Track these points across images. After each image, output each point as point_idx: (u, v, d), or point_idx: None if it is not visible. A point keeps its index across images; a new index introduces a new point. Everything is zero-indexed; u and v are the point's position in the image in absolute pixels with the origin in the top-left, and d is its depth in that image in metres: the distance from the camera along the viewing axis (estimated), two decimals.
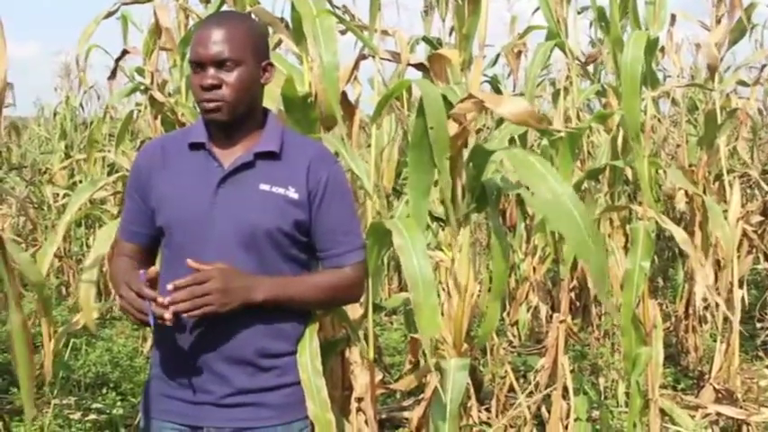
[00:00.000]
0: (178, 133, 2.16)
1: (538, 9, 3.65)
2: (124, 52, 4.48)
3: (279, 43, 2.93)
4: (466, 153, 2.63)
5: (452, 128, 2.49)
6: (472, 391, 3.01)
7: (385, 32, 2.97)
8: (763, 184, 5.56)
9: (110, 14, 3.37)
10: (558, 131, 3.27)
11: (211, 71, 1.87)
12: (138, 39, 4.45)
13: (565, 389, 3.47)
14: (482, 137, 5.06)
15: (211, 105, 1.88)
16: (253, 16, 2.57)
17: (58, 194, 7.26)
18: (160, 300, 1.77)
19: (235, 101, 1.89)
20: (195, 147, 1.96)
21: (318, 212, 1.95)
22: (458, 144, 2.51)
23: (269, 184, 1.91)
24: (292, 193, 1.92)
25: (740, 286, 4.69)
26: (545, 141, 3.75)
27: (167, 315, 1.76)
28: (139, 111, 5.03)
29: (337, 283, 2.02)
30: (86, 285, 3.21)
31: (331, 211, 1.97)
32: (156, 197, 1.97)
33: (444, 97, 2.47)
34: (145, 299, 1.79)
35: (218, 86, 1.87)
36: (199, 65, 1.88)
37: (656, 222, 3.32)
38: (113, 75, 4.77)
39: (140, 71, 4.55)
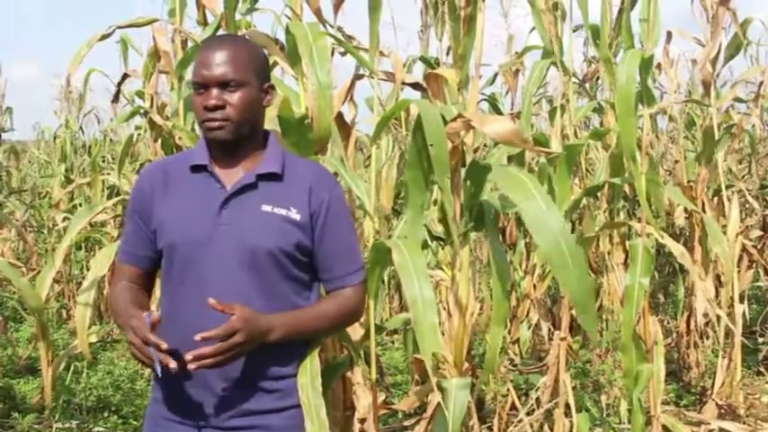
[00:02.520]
0: (180, 156, 2.17)
1: (534, 28, 3.66)
2: (125, 76, 4.51)
3: (274, 65, 2.95)
4: (464, 172, 2.63)
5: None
6: (474, 409, 3.00)
7: (381, 53, 2.99)
8: (751, 199, 5.56)
9: (104, 37, 3.35)
10: (548, 152, 3.28)
11: (215, 92, 1.88)
12: (139, 62, 4.49)
13: (567, 406, 3.46)
14: (481, 155, 5.07)
15: (215, 124, 1.89)
16: (246, 38, 2.59)
17: (55, 217, 7.25)
18: (164, 347, 1.75)
19: (238, 121, 1.90)
20: (197, 169, 1.97)
21: (321, 235, 1.97)
22: (452, 162, 2.52)
23: (271, 205, 1.92)
24: (294, 214, 1.93)
25: (741, 301, 4.70)
26: (543, 159, 3.75)
27: (172, 364, 1.74)
28: (139, 134, 5.06)
29: (340, 308, 2.02)
30: (82, 309, 3.19)
31: (334, 233, 1.98)
32: (157, 219, 1.97)
33: (442, 116, 2.48)
34: (149, 345, 1.77)
35: (222, 107, 1.89)
36: (202, 86, 1.90)
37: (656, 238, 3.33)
38: (116, 98, 4.79)
39: (140, 94, 4.58)
